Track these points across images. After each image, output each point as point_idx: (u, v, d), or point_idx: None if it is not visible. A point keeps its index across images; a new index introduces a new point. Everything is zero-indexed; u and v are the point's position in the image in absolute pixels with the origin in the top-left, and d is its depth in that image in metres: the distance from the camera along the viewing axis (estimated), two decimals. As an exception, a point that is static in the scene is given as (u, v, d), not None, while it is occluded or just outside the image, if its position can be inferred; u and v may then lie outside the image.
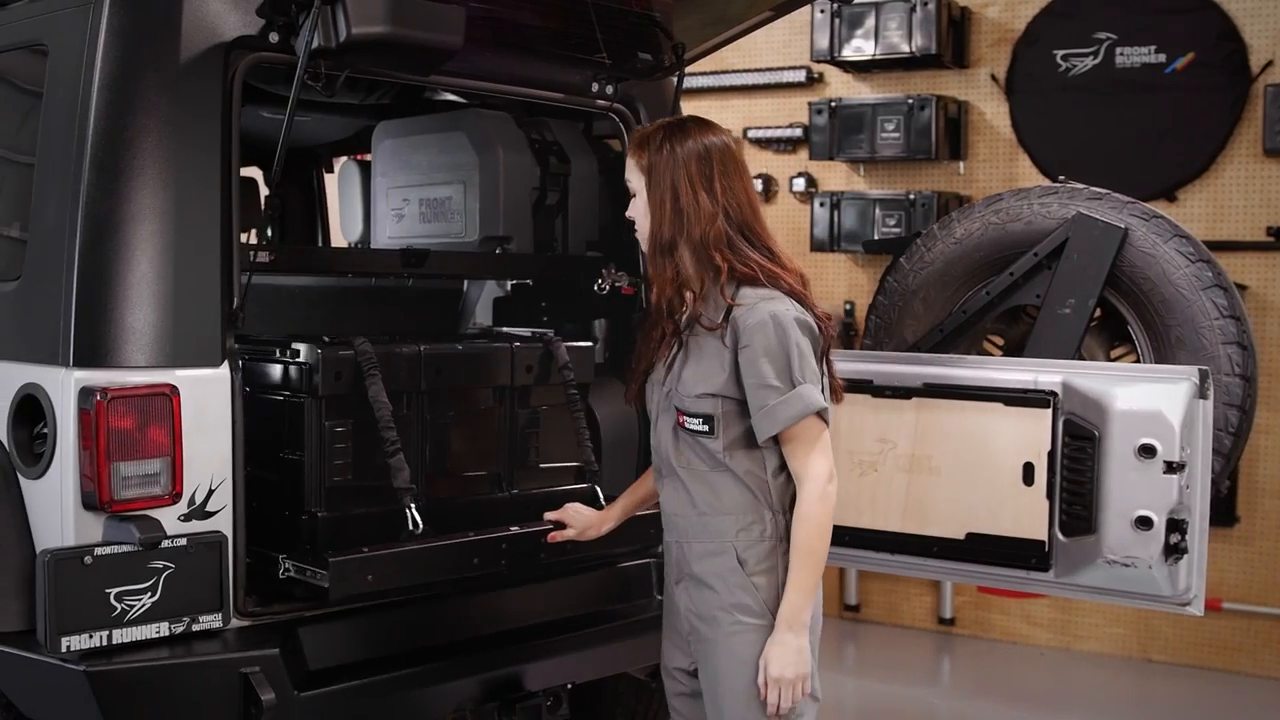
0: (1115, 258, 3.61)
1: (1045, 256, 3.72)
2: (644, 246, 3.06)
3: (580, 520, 3.38)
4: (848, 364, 3.64)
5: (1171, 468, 3.23)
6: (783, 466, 2.94)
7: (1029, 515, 3.40)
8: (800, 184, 7.08)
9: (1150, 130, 6.28)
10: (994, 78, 6.68)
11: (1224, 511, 6.06)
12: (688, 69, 4.08)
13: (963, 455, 3.49)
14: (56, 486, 3.05)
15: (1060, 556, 3.37)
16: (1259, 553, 6.17)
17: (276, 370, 3.44)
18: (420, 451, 3.60)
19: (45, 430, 3.08)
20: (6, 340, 3.23)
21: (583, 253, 4.35)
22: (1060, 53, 6.48)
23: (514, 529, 3.51)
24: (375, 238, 4.64)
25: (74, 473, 3.00)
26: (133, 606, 2.99)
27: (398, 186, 4.47)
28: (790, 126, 7.13)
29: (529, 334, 3.96)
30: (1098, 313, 3.73)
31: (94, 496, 2.98)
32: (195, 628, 3.09)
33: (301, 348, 3.40)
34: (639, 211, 3.05)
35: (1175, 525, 3.22)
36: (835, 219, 6.79)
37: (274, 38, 3.24)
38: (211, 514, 3.12)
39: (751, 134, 7.24)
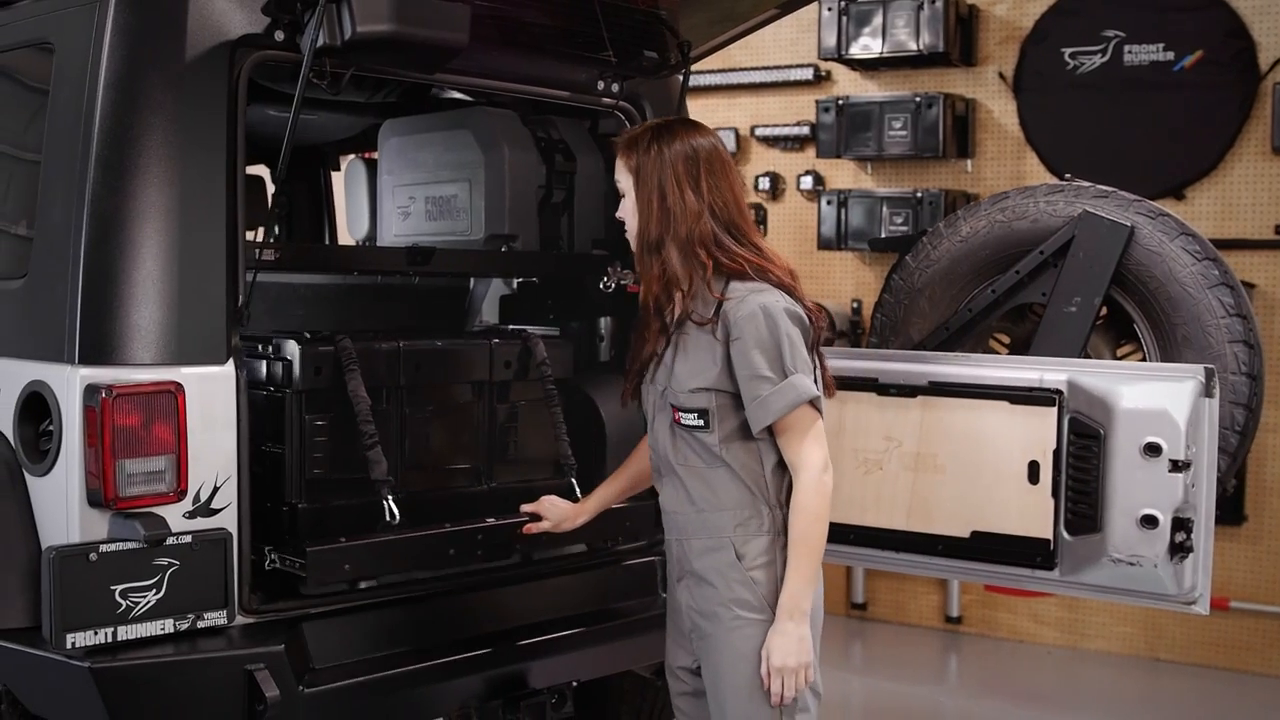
0: (1121, 256, 3.60)
1: (1051, 254, 3.70)
2: (632, 246, 3.09)
3: (556, 512, 3.41)
4: (853, 362, 3.65)
5: (1177, 466, 3.22)
6: (779, 462, 2.95)
7: (1034, 514, 3.39)
8: (808, 182, 7.07)
9: (1158, 128, 6.27)
10: (1001, 76, 6.67)
11: (1232, 510, 6.05)
12: (694, 67, 4.08)
13: (968, 453, 3.49)
14: (62, 483, 3.06)
15: (1065, 555, 3.37)
16: (1267, 552, 6.15)
17: (261, 366, 3.48)
18: (399, 445, 3.64)
19: (51, 427, 3.09)
20: (12, 338, 3.24)
21: (588, 251, 4.35)
22: (1068, 51, 6.46)
23: (490, 520, 3.57)
24: (381, 235, 4.65)
25: (79, 470, 3.01)
26: (138, 603, 3.00)
27: (403, 184, 4.48)
28: (797, 124, 7.13)
29: (509, 330, 4.01)
30: (1104, 311, 3.71)
31: (99, 494, 2.99)
32: (200, 624, 3.09)
33: (283, 344, 3.45)
34: (628, 211, 3.09)
35: (1180, 524, 3.22)
36: (842, 217, 6.79)
37: (279, 36, 3.24)
38: (216, 511, 3.13)
39: (759, 132, 7.23)
